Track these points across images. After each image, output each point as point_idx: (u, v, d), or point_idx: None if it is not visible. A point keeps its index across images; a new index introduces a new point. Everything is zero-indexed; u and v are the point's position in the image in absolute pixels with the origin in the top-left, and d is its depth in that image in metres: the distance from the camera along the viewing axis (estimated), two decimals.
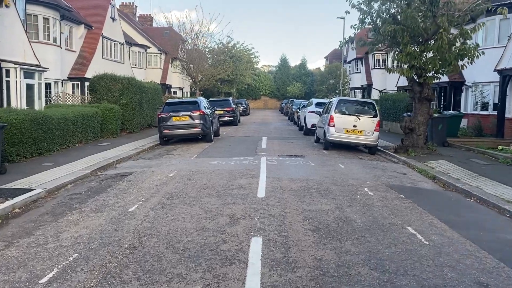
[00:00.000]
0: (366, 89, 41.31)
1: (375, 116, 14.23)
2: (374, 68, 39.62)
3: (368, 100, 16.79)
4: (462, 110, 21.73)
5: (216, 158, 12.39)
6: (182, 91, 45.19)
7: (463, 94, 22.69)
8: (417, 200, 7.73)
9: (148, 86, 22.55)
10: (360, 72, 43.12)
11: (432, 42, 13.22)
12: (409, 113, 17.97)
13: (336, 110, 14.30)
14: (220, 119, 23.93)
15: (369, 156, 13.75)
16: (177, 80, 41.20)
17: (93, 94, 19.69)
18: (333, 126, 14.13)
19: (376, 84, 39.12)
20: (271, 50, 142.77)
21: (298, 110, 26.91)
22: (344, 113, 14.23)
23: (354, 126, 13.98)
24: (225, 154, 13.45)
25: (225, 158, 12.34)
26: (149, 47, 37.17)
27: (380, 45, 15.41)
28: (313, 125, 19.48)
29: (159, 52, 38.88)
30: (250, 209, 6.80)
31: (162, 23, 45.84)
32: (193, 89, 36.85)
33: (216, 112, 20.97)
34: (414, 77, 14.08)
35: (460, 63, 13.12)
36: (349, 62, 45.56)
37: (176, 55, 36.42)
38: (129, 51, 32.90)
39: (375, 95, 38.06)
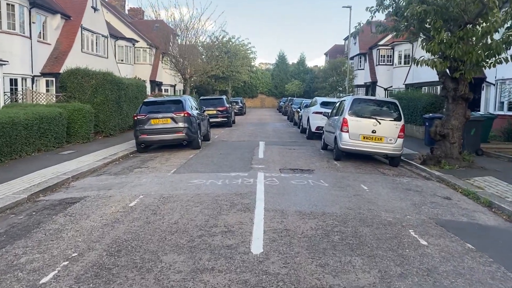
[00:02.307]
0: (370, 87, 38.69)
1: (398, 119, 11.51)
2: (378, 64, 36.98)
3: (389, 99, 14.04)
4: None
5: (200, 174, 9.64)
6: (174, 89, 42.31)
7: (483, 92, 20.16)
8: (497, 255, 5.02)
9: (128, 82, 19.75)
10: (363, 69, 40.46)
11: (470, 26, 10.56)
12: (430, 114, 15.34)
13: (351, 111, 11.58)
14: (213, 119, 21.34)
15: (393, 170, 11.00)
16: (169, 77, 38.31)
17: (64, 92, 16.95)
18: (347, 131, 11.42)
19: (381, 81, 36.50)
20: (269, 47, 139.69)
21: (299, 109, 24.19)
22: (360, 116, 11.50)
23: (373, 132, 11.28)
24: (213, 167, 10.71)
25: (211, 175, 9.59)
26: (137, 41, 34.27)
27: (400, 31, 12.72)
28: (318, 128, 16.86)
29: (148, 46, 35.95)
30: (239, 285, 4.08)
31: (150, 15, 42.82)
32: (185, 86, 34.06)
33: (206, 112, 18.26)
34: (447, 71, 11.44)
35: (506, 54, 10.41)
36: (352, 58, 42.82)
37: (166, 49, 33.57)
38: (114, 45, 30.10)
39: (380, 93, 35.51)
